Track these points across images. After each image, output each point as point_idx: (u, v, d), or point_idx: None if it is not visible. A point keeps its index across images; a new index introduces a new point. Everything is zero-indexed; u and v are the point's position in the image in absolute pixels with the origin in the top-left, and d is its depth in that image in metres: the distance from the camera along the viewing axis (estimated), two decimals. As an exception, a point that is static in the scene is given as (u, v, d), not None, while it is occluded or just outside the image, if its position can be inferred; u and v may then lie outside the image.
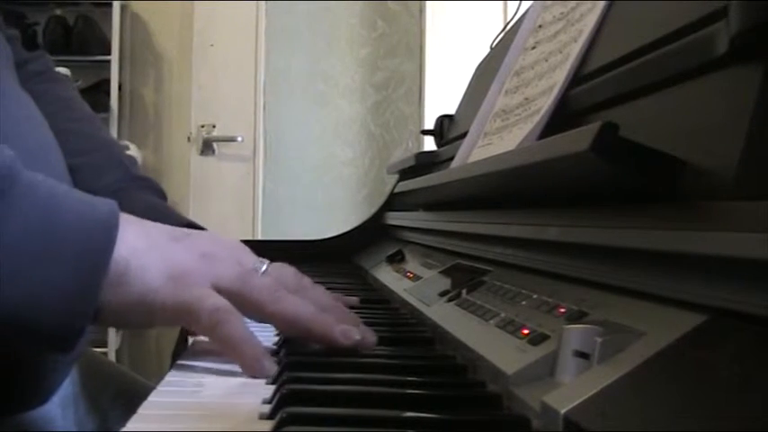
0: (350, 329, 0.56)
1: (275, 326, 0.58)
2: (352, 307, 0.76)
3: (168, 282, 0.52)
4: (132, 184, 0.88)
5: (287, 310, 0.56)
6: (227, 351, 0.53)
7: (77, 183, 0.82)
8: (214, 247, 0.57)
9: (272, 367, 0.51)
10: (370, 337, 0.58)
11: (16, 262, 0.46)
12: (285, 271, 0.62)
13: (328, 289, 0.67)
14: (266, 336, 0.61)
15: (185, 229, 0.59)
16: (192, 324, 0.53)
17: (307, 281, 0.63)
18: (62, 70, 2.66)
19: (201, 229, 0.89)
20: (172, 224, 0.85)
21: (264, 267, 0.59)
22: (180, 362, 0.56)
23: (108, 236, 0.50)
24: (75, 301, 0.48)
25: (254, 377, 0.51)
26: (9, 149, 0.49)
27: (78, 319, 0.48)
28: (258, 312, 0.56)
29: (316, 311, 0.56)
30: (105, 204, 0.52)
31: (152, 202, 0.89)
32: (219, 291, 0.54)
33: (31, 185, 0.49)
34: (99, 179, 0.84)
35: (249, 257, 0.59)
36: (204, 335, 0.54)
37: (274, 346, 0.60)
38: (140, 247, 0.52)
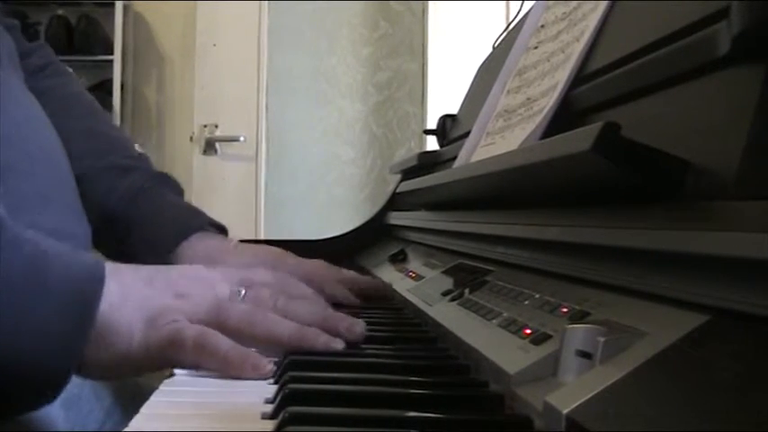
0: (330, 341, 0.56)
1: (256, 348, 0.59)
2: (356, 306, 0.76)
3: (146, 326, 0.53)
4: (157, 182, 0.89)
5: (264, 332, 0.56)
6: (217, 365, 0.53)
7: (98, 185, 0.83)
8: (188, 283, 0.58)
9: (265, 363, 0.52)
10: (357, 328, 0.59)
11: (2, 312, 0.46)
12: (261, 293, 0.62)
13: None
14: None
15: (160, 269, 0.59)
16: (179, 355, 0.53)
17: (288, 293, 0.63)
18: (65, 70, 2.67)
19: (223, 226, 0.90)
20: (200, 223, 0.86)
21: (242, 294, 0.60)
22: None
23: (94, 290, 0.50)
24: (58, 354, 0.48)
25: (255, 379, 0.51)
26: None
27: (61, 372, 0.49)
28: (238, 338, 0.56)
29: (295, 327, 0.57)
30: (89, 257, 0.53)
31: (177, 200, 0.90)
32: (196, 324, 0.55)
33: (17, 242, 0.49)
34: (122, 179, 0.85)
35: (224, 287, 0.60)
36: (192, 361, 0.53)
37: None
38: (116, 301, 0.52)
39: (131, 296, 0.54)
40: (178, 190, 0.93)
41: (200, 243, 0.85)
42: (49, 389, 0.49)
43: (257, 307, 0.58)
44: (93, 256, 0.53)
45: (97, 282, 0.51)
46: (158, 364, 0.55)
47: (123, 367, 0.53)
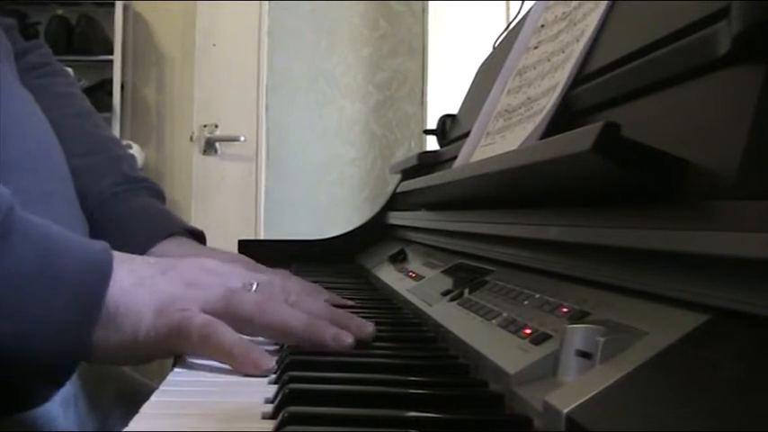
0: (341, 333, 0.56)
1: (268, 338, 0.59)
2: (354, 307, 0.76)
3: (156, 312, 0.53)
4: (129, 186, 0.87)
5: (275, 320, 0.56)
6: (221, 358, 0.53)
7: (74, 185, 0.82)
8: (201, 274, 0.58)
9: (267, 361, 0.52)
10: (367, 329, 0.58)
11: (11, 301, 0.47)
12: (275, 285, 0.62)
13: (329, 289, 0.67)
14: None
15: (169, 260, 0.60)
16: (184, 344, 0.54)
17: (299, 289, 0.64)
18: (65, 70, 2.67)
19: (200, 232, 0.89)
20: (170, 228, 0.84)
21: (253, 287, 0.60)
22: (181, 362, 0.56)
23: (102, 276, 0.51)
24: (68, 339, 0.49)
25: (255, 376, 0.51)
26: (5, 188, 0.50)
27: (70, 357, 0.50)
28: (248, 327, 0.57)
29: (305, 319, 0.57)
30: (98, 244, 0.53)
31: (152, 205, 0.88)
32: (207, 313, 0.55)
33: (28, 227, 0.49)
34: (95, 183, 0.84)
35: (236, 279, 0.60)
36: (197, 351, 0.54)
37: (276, 346, 0.60)
38: (128, 286, 0.53)
39: (143, 282, 0.54)
40: (156, 194, 0.91)
41: (171, 248, 0.84)
42: (58, 376, 0.50)
43: (268, 297, 0.59)
44: (102, 244, 0.54)
45: (105, 268, 0.51)
46: (165, 352, 0.55)
47: (131, 352, 0.53)
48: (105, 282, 0.51)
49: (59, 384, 0.51)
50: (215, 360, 0.54)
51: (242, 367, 0.52)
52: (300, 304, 0.60)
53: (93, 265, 0.51)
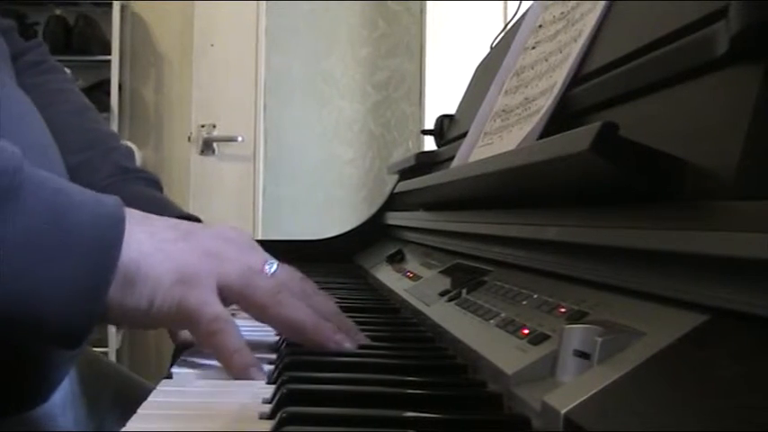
0: (345, 340, 0.57)
1: (273, 327, 0.59)
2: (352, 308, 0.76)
3: (175, 285, 0.53)
4: (125, 176, 0.87)
5: (287, 314, 0.56)
6: (218, 357, 0.53)
7: (72, 180, 0.81)
8: (222, 244, 0.58)
9: (261, 376, 0.52)
10: (360, 339, 0.59)
11: (26, 259, 0.46)
12: (293, 275, 0.62)
13: (329, 290, 0.67)
14: (268, 331, 0.62)
15: (191, 224, 0.59)
16: (190, 327, 0.54)
17: (311, 287, 0.63)
18: (62, 70, 2.67)
19: (198, 221, 0.88)
20: (166, 214, 0.84)
21: (274, 268, 0.59)
22: (179, 362, 0.56)
23: (116, 232, 0.50)
24: (84, 298, 0.48)
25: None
26: (15, 146, 0.49)
27: (87, 316, 0.49)
28: (259, 314, 0.57)
29: (315, 318, 0.57)
30: (110, 199, 0.53)
31: (146, 193, 0.88)
32: (223, 289, 0.55)
33: (38, 184, 0.49)
34: (91, 176, 0.84)
35: (258, 257, 0.60)
36: (200, 340, 0.55)
37: (276, 339, 0.61)
38: (147, 249, 0.52)
39: (163, 247, 0.54)
40: (153, 183, 0.91)
41: None
42: (72, 337, 0.50)
43: (284, 287, 0.58)
44: (114, 198, 0.53)
45: (119, 223, 0.51)
46: (174, 325, 0.57)
47: (143, 319, 0.53)
48: (119, 236, 0.50)
49: (75, 345, 0.50)
50: (212, 357, 0.54)
51: (235, 375, 0.52)
52: (314, 301, 0.60)
53: (106, 220, 0.50)
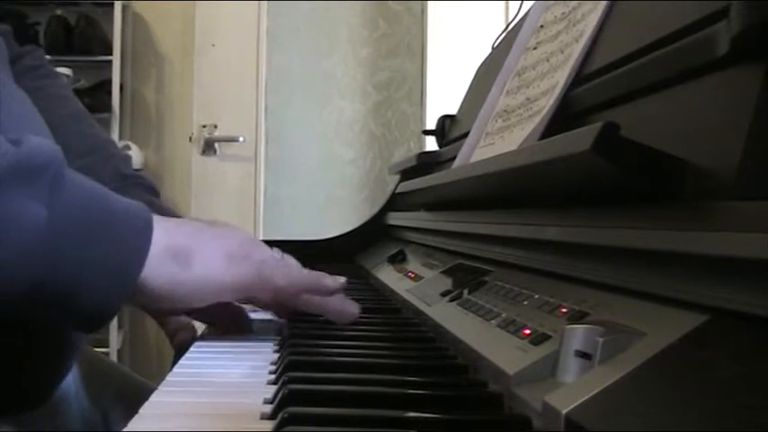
0: (336, 279, 0.67)
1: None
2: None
3: (226, 261, 0.59)
4: (124, 183, 0.87)
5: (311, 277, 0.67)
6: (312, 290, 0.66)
7: None
8: (241, 241, 0.63)
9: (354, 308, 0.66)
10: (354, 308, 0.68)
11: (71, 242, 0.49)
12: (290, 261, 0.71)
13: None
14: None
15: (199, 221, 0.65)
16: (258, 292, 0.62)
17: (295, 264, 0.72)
18: (63, 70, 2.67)
19: None
20: None
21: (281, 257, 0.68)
22: (181, 362, 0.57)
23: (146, 217, 0.55)
24: (116, 280, 0.52)
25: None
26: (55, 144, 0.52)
27: (116, 298, 0.52)
28: (282, 293, 0.64)
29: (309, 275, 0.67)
30: (134, 196, 0.59)
31: (144, 199, 0.88)
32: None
33: (75, 175, 0.53)
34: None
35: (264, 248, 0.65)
36: (274, 294, 0.63)
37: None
38: (192, 233, 0.58)
39: (203, 232, 0.60)
40: (149, 189, 0.91)
41: None
42: (98, 318, 0.52)
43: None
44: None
45: (145, 212, 0.56)
46: (234, 296, 0.63)
47: (199, 293, 0.58)
48: (149, 224, 0.55)
49: (98, 326, 0.53)
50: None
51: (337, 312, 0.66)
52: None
53: (136, 208, 0.55)
